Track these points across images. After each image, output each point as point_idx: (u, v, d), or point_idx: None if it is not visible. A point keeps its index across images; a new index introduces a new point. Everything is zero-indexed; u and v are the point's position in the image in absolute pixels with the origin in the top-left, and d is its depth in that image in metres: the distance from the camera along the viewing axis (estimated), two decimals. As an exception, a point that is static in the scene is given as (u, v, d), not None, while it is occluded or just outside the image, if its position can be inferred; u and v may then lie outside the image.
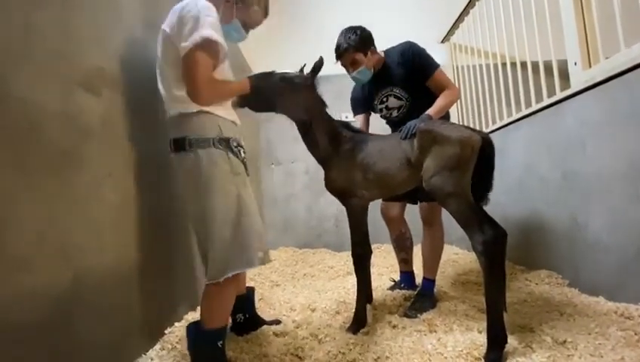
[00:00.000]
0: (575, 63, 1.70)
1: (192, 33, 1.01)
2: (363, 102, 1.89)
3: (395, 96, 1.76)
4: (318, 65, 1.39)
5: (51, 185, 0.85)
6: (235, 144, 1.14)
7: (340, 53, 1.66)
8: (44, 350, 0.80)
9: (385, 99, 1.78)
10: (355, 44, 1.63)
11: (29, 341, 0.77)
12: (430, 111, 1.59)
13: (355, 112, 1.95)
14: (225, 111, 1.15)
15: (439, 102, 1.63)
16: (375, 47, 1.71)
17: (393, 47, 1.76)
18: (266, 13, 1.30)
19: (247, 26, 1.27)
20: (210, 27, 1.02)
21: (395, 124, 1.87)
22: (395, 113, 1.80)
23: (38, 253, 0.80)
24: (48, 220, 0.83)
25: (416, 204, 1.81)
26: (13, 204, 0.74)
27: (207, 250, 1.07)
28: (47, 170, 0.84)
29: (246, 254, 1.07)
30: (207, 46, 1.03)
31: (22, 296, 0.75)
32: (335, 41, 1.69)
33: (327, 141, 1.49)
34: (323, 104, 1.51)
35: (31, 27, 0.82)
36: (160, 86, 1.14)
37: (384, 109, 1.82)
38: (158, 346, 1.23)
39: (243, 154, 1.17)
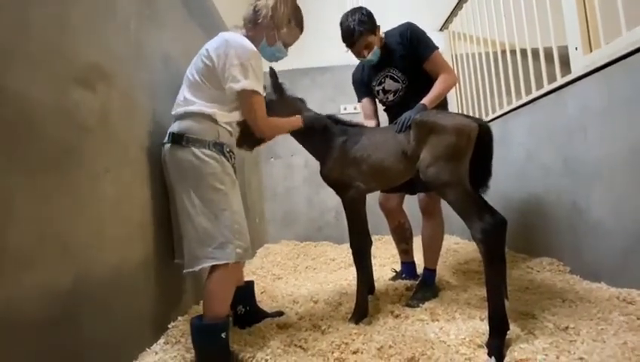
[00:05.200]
0: (576, 48, 1.68)
1: (240, 80, 1.17)
2: (364, 86, 1.87)
3: (392, 78, 1.74)
4: (273, 75, 1.49)
5: (49, 182, 0.84)
6: (228, 149, 1.24)
7: (355, 40, 1.62)
8: (50, 346, 0.80)
9: (382, 80, 1.77)
10: (368, 25, 1.61)
11: (35, 337, 0.77)
12: (425, 100, 1.57)
13: (359, 97, 1.92)
14: (226, 121, 1.24)
15: (435, 91, 1.61)
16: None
17: (393, 29, 1.74)
18: (301, 29, 1.41)
19: (287, 44, 1.39)
20: (255, 79, 1.19)
21: (391, 110, 1.84)
22: (391, 97, 1.78)
23: (39, 251, 0.79)
24: (48, 217, 0.83)
25: (415, 194, 1.81)
26: (11, 201, 0.74)
27: (184, 236, 1.17)
28: (44, 166, 0.83)
29: (224, 247, 1.13)
30: (256, 93, 1.21)
31: (26, 293, 0.75)
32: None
33: (318, 136, 1.50)
34: (301, 101, 1.56)
35: (26, 23, 0.80)
36: (183, 86, 1.26)
37: (381, 92, 1.80)
38: (162, 340, 1.23)
39: (233, 160, 1.27)
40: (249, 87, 1.18)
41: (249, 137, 1.43)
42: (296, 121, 1.45)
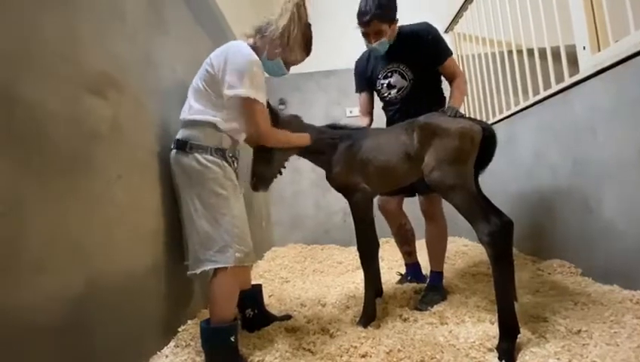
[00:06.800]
0: (584, 48, 1.67)
1: (235, 87, 1.17)
2: (366, 78, 1.85)
3: (400, 74, 1.72)
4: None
5: (62, 188, 0.86)
6: (230, 155, 1.27)
7: (367, 21, 1.56)
8: (62, 350, 0.82)
9: (389, 74, 1.74)
10: (385, 13, 1.56)
11: (47, 341, 0.79)
12: (454, 103, 1.60)
13: (358, 88, 1.90)
14: (228, 128, 1.25)
15: (458, 93, 1.65)
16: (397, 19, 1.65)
17: (410, 25, 1.71)
18: (307, 53, 1.40)
19: (289, 64, 1.38)
20: (252, 86, 1.18)
21: (390, 106, 1.82)
22: (393, 92, 1.75)
23: (52, 256, 0.81)
24: (60, 223, 0.84)
25: (414, 196, 1.81)
26: (26, 208, 0.76)
27: (188, 239, 1.21)
28: (57, 173, 0.85)
29: (224, 251, 1.15)
30: (254, 101, 1.20)
31: (38, 298, 0.77)
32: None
33: (321, 146, 1.50)
34: (295, 117, 1.53)
35: (37, 31, 0.83)
36: (189, 94, 1.29)
37: (385, 86, 1.77)
38: (172, 343, 1.25)
39: (236, 165, 1.31)
40: (244, 94, 1.17)
41: (261, 177, 1.44)
42: (305, 138, 1.45)
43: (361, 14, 1.58)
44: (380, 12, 1.55)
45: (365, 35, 1.64)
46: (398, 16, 1.65)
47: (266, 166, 1.44)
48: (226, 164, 1.23)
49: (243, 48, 1.23)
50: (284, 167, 1.54)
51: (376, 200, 1.85)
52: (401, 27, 1.71)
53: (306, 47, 1.38)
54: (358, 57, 1.91)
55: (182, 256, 1.31)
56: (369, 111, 1.89)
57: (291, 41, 1.31)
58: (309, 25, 1.37)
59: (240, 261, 1.17)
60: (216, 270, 1.16)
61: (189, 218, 1.19)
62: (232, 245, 1.16)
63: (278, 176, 1.55)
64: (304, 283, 2.15)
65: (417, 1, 3.46)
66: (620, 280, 1.46)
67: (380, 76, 1.77)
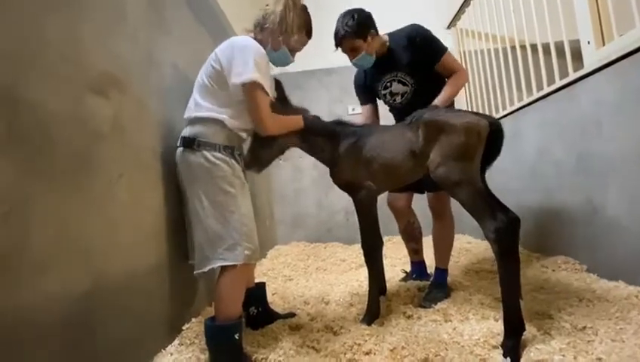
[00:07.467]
0: (588, 42, 1.65)
1: (242, 74, 1.16)
2: (367, 90, 1.85)
3: (400, 82, 1.71)
4: (277, 88, 1.46)
5: (66, 188, 0.86)
6: (238, 153, 1.27)
7: (339, 41, 1.62)
8: (67, 349, 0.83)
9: (389, 85, 1.74)
10: (353, 30, 1.57)
11: (52, 340, 0.79)
12: (437, 101, 1.56)
13: (361, 101, 1.91)
14: (235, 125, 1.24)
15: (447, 91, 1.60)
16: (376, 30, 1.63)
17: (398, 31, 1.70)
18: (308, 36, 1.41)
19: (294, 50, 1.39)
20: (259, 72, 1.17)
21: (398, 111, 1.82)
22: (398, 99, 1.76)
23: (56, 256, 0.82)
24: (64, 223, 0.85)
25: (423, 193, 1.80)
26: (28, 207, 0.76)
27: (194, 238, 1.20)
28: (60, 173, 0.85)
29: (232, 249, 1.15)
30: (259, 87, 1.18)
31: (43, 297, 0.77)
32: (332, 32, 1.65)
33: (326, 142, 1.49)
34: (304, 111, 1.52)
35: (39, 32, 0.83)
36: (194, 90, 1.29)
37: (388, 95, 1.77)
38: (176, 341, 1.25)
39: (243, 164, 1.31)
40: (251, 78, 1.16)
41: (257, 157, 1.43)
42: (298, 120, 1.42)
43: (334, 36, 1.63)
44: (347, 30, 1.57)
45: (345, 53, 1.67)
46: (387, 22, 1.64)
47: (264, 148, 1.43)
48: (234, 162, 1.23)
49: (248, 41, 1.23)
50: (284, 153, 1.53)
51: (385, 196, 1.85)
52: (390, 34, 1.70)
53: (307, 31, 1.39)
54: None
55: (185, 255, 1.32)
56: (374, 120, 1.89)
57: (290, 27, 1.31)
58: (305, 7, 1.38)
59: (248, 258, 1.17)
60: (223, 268, 1.16)
61: (195, 216, 1.19)
62: (240, 243, 1.16)
63: (280, 165, 1.54)
64: (307, 281, 2.16)
65: (419, -2, 3.46)
66: (626, 276, 1.45)
67: (380, 88, 1.78)
